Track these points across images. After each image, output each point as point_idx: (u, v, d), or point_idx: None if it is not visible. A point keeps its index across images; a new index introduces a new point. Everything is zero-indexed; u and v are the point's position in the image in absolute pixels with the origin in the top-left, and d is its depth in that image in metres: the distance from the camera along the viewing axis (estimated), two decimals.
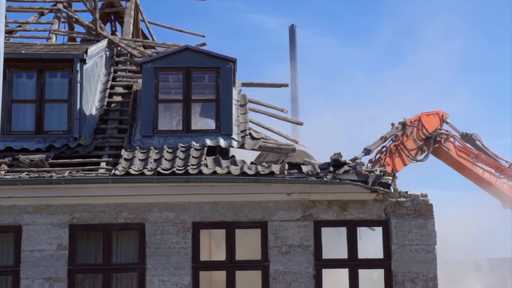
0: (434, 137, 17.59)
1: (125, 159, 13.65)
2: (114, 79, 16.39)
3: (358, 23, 60.34)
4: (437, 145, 17.81)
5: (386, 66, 58.65)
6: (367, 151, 15.91)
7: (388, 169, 15.92)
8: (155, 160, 13.56)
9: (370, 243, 14.03)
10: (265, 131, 15.25)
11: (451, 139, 18.13)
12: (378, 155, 16.52)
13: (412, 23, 58.91)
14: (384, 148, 16.79)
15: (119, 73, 16.66)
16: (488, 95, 56.22)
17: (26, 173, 13.12)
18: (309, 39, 56.24)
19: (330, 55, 58.38)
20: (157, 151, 13.94)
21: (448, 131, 18.14)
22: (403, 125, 17.26)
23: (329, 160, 13.33)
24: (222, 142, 14.34)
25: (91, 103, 15.32)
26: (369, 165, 15.75)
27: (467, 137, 18.41)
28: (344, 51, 59.28)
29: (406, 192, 13.44)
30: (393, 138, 17.00)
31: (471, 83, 57.83)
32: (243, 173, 12.97)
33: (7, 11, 17.76)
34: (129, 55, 17.23)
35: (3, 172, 13.15)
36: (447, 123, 18.22)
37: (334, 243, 13.90)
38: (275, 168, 13.15)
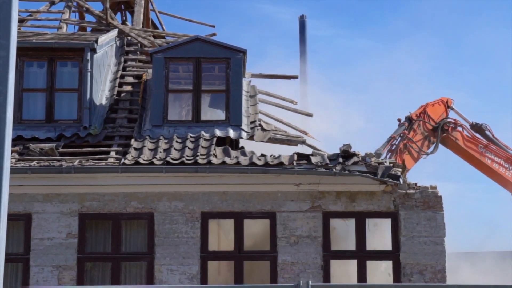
0: (441, 126, 17.46)
1: (135, 149, 13.70)
2: (124, 69, 16.42)
3: (368, 13, 60.14)
4: (444, 134, 17.71)
5: (397, 57, 58.44)
6: (377, 155, 15.81)
7: None
8: (164, 150, 13.60)
9: (379, 234, 14.02)
10: (274, 122, 15.25)
11: (459, 128, 18.00)
12: (389, 154, 16.44)
13: (422, 13, 58.68)
14: (394, 147, 16.71)
15: (129, 62, 16.69)
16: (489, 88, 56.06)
17: (36, 161, 13.19)
18: (319, 30, 56.17)
19: (340, 45, 58.27)
20: (166, 141, 13.98)
21: (455, 120, 18.00)
22: (409, 120, 17.16)
23: (338, 151, 13.33)
24: (232, 133, 14.36)
25: (101, 92, 15.36)
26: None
27: (477, 127, 18.26)
28: (354, 42, 59.14)
29: (416, 184, 13.42)
30: (401, 136, 16.92)
31: (479, 75, 57.66)
32: (252, 164, 12.99)
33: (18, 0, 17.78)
34: (139, 44, 17.26)
35: (13, 161, 13.21)
36: (453, 109, 18.06)
37: (343, 234, 13.91)
38: (284, 159, 13.16)
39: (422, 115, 17.36)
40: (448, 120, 17.73)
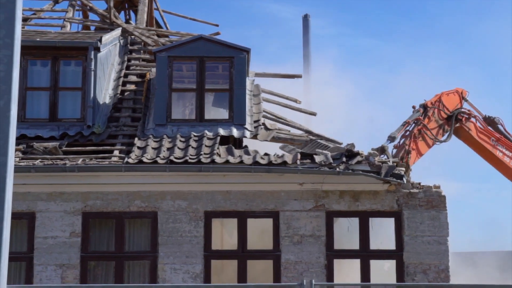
0: (455, 115, 17.40)
1: (138, 148, 13.70)
2: (127, 68, 16.43)
3: (372, 12, 60.09)
4: (458, 124, 17.65)
5: (401, 57, 58.41)
6: (392, 138, 15.77)
7: (413, 153, 15.85)
8: (168, 149, 13.60)
9: (382, 234, 14.02)
10: (278, 121, 15.23)
11: (473, 119, 17.94)
12: (402, 139, 16.37)
13: (426, 11, 58.60)
14: (407, 132, 16.63)
15: (132, 61, 16.70)
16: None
17: (40, 160, 13.20)
18: (323, 29, 56.14)
19: (344, 44, 58.23)
20: (170, 140, 13.98)
21: (470, 111, 17.95)
22: (424, 107, 17.07)
23: (342, 151, 13.33)
24: (235, 132, 14.35)
25: (104, 91, 15.36)
26: (394, 151, 15.63)
27: (490, 120, 18.21)
28: (358, 40, 59.11)
29: (419, 183, 13.41)
30: (416, 122, 16.83)
31: (482, 73, 57.62)
32: (256, 163, 12.98)
33: None
34: (143, 43, 17.26)
35: (17, 159, 13.23)
36: (467, 100, 18.00)
37: (346, 233, 13.90)
38: (288, 158, 13.15)
39: (437, 103, 17.28)
40: (463, 110, 17.65)
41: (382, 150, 13.64)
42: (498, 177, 19.21)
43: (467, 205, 46.05)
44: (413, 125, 16.55)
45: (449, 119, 17.31)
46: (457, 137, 17.86)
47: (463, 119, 17.56)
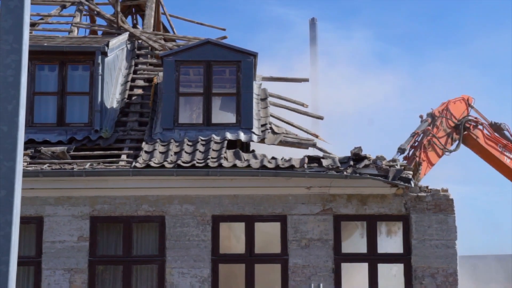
0: (463, 123, 17.33)
1: (146, 152, 13.72)
2: (135, 72, 16.46)
3: (379, 15, 60.06)
4: (466, 132, 17.57)
5: (407, 59, 58.34)
6: (402, 150, 15.72)
7: (424, 164, 15.80)
8: (175, 153, 13.61)
9: (390, 237, 13.98)
10: (285, 125, 15.23)
11: (480, 127, 17.86)
12: (412, 150, 16.30)
13: (431, 13, 58.53)
14: (416, 143, 16.56)
15: (140, 66, 16.72)
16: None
17: (47, 165, 13.23)
18: (330, 32, 56.13)
19: (351, 48, 58.19)
20: (177, 144, 13.99)
21: (476, 118, 17.89)
22: (432, 116, 16.99)
23: (349, 154, 13.31)
24: (243, 136, 14.36)
25: (112, 95, 15.39)
26: (405, 162, 15.60)
27: (496, 126, 18.14)
28: (365, 44, 59.06)
29: (427, 187, 13.37)
30: (425, 132, 16.74)
31: (486, 77, 57.48)
32: (263, 167, 12.98)
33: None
34: (150, 48, 17.29)
35: (25, 164, 13.26)
36: (473, 107, 17.94)
37: (354, 237, 13.87)
38: (295, 161, 13.14)
39: (444, 112, 17.18)
40: (470, 118, 17.56)
41: (394, 162, 13.61)
42: (500, 180, 19.19)
43: (469, 208, 45.95)
44: (422, 135, 16.48)
45: (456, 128, 17.23)
46: (465, 145, 17.80)
47: (471, 126, 17.48)
